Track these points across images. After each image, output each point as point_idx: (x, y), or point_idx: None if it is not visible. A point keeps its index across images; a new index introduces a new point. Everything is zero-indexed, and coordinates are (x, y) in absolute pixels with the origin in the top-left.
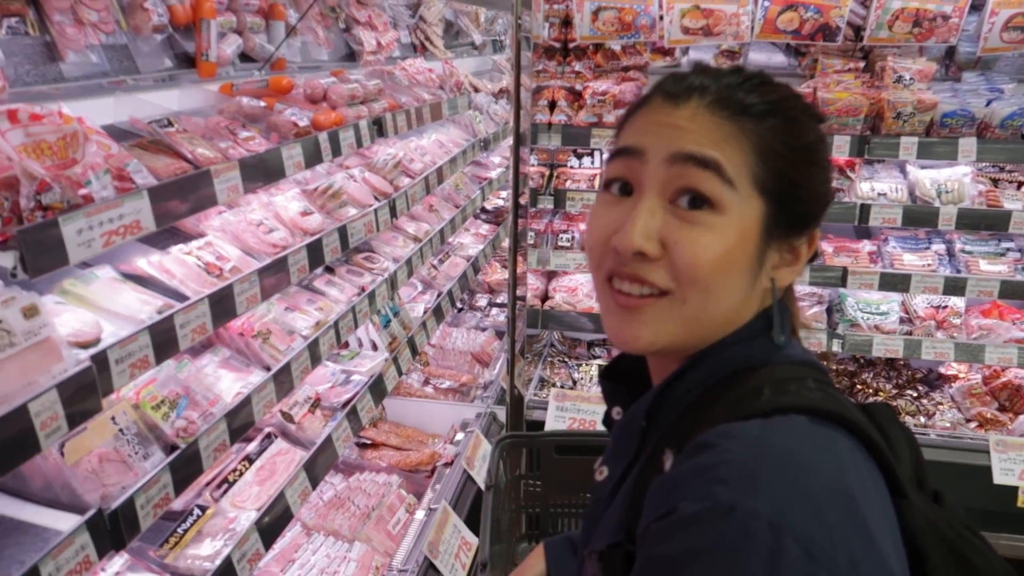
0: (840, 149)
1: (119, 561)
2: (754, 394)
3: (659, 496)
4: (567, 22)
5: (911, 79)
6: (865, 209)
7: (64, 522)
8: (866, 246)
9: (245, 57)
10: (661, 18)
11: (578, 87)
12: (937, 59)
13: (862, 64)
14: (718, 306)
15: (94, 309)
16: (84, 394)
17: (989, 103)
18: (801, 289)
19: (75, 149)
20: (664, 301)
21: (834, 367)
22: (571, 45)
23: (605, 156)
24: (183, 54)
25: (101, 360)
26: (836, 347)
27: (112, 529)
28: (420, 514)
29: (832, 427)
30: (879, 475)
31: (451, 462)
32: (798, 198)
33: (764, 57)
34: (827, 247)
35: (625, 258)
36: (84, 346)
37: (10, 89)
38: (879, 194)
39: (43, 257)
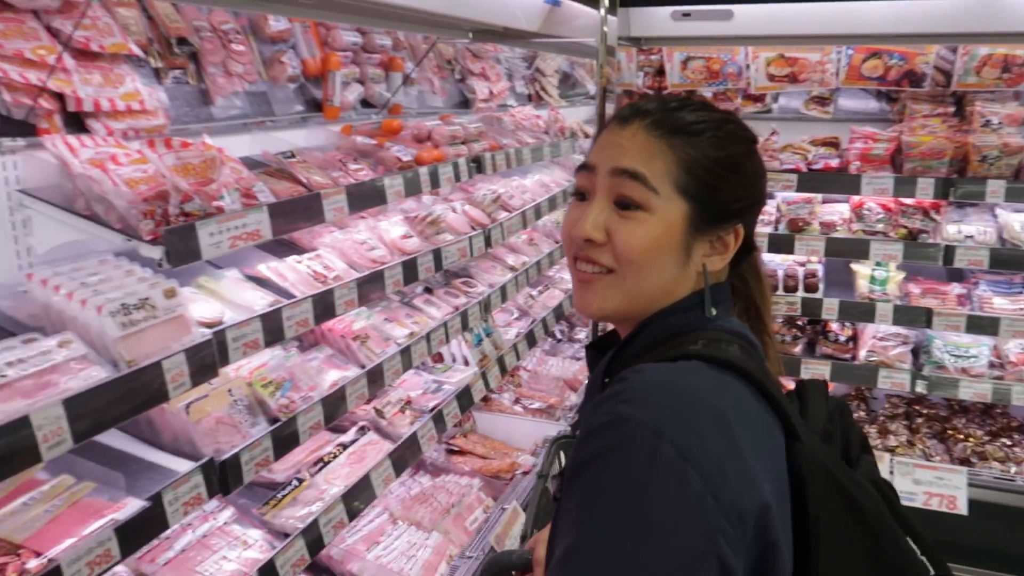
0: (924, 191)
1: (227, 513)
2: (677, 348)
3: (585, 417)
4: (660, 71)
5: (999, 123)
6: (950, 251)
7: (185, 466)
8: (955, 288)
9: (366, 103)
10: (748, 67)
11: None
12: None
13: (952, 109)
14: (650, 281)
15: (221, 300)
16: (205, 360)
17: None
18: (886, 329)
19: (213, 171)
20: (610, 277)
21: (925, 411)
22: (663, 92)
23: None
24: (312, 100)
25: (220, 337)
26: (921, 388)
27: (221, 476)
28: (494, 513)
29: (729, 374)
30: (774, 420)
31: (528, 471)
32: (718, 200)
33: (857, 103)
34: (914, 288)
35: (580, 244)
36: (209, 326)
37: (171, 127)
38: (966, 236)
39: (182, 252)
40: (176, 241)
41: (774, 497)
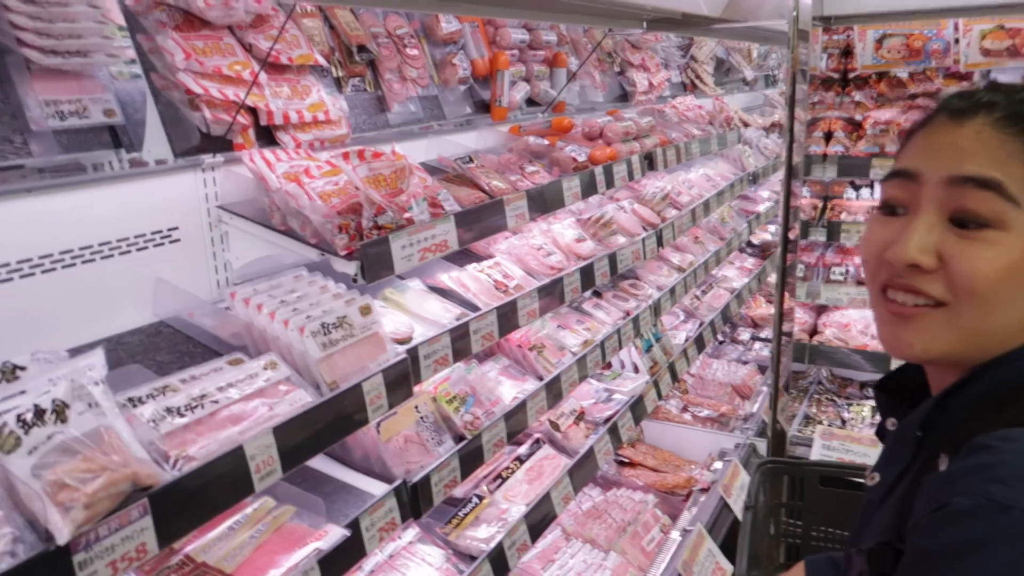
0: None
1: (411, 532)
2: None
3: (932, 492)
4: (847, 52)
5: None
6: None
7: (376, 488)
8: None
9: (531, 101)
10: (956, 41)
11: (858, 117)
12: None
13: None
14: (998, 319)
15: (407, 313)
16: (401, 380)
17: None
18: None
19: (403, 181)
20: (939, 312)
21: None
22: (851, 75)
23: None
24: (480, 101)
25: (413, 354)
26: None
27: (412, 499)
28: (675, 535)
29: None
30: None
31: (707, 488)
32: None
33: None
34: None
35: (899, 270)
36: (401, 342)
37: (352, 135)
38: None
39: (376, 267)
40: (371, 256)
41: None
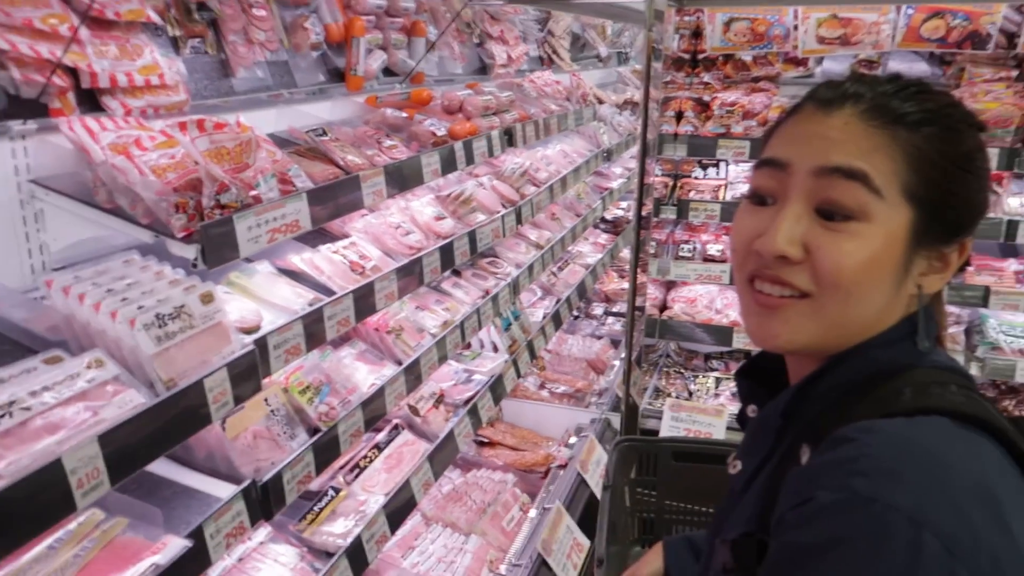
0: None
1: (263, 532)
2: (896, 394)
3: (796, 486)
4: (697, 33)
5: None
6: (1012, 226)
7: (223, 490)
8: (1012, 265)
9: (388, 71)
10: (795, 28)
11: (706, 98)
12: None
13: (1015, 73)
14: (859, 310)
15: (255, 299)
16: (248, 374)
17: None
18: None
19: (249, 155)
20: (804, 303)
21: None
22: (700, 56)
23: (734, 166)
24: (334, 69)
25: (262, 345)
26: (975, 370)
27: (263, 500)
28: (533, 513)
29: (975, 431)
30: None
31: (565, 465)
32: (950, 206)
33: (905, 66)
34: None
35: (767, 261)
36: (248, 331)
37: (191, 102)
38: None
39: (219, 250)
40: (212, 238)
41: None
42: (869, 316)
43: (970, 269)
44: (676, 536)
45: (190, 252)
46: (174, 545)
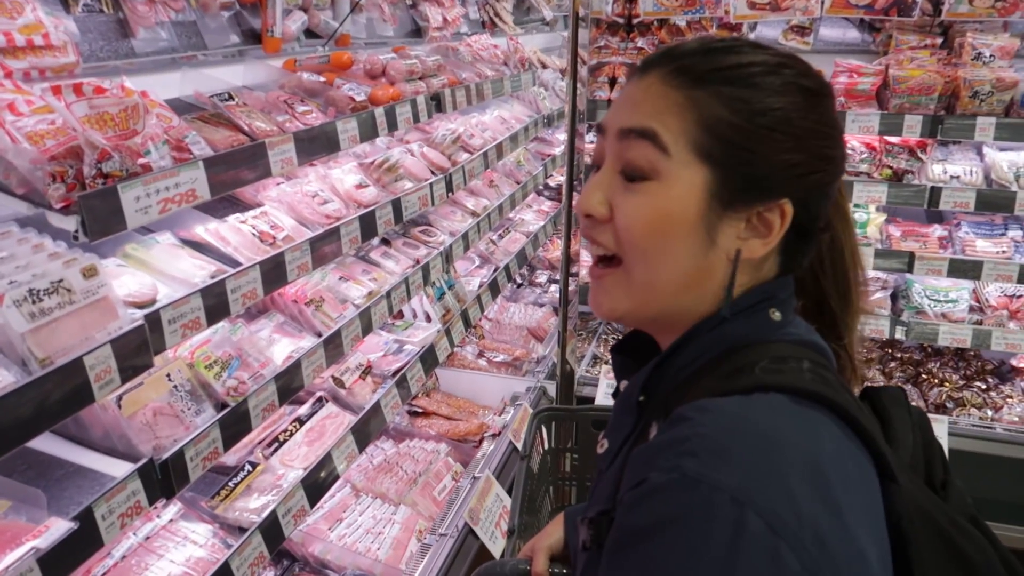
0: (911, 129)
1: (173, 509)
2: (742, 371)
3: (635, 466)
4: None
5: (991, 56)
6: (936, 192)
7: (119, 469)
8: (936, 231)
9: (311, 33)
10: None
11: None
12: (1021, 36)
13: (940, 40)
14: (663, 272)
15: (153, 272)
16: (137, 350)
17: None
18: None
19: (136, 121)
20: (619, 271)
21: (899, 355)
22: (635, 21)
23: None
24: (250, 30)
25: (154, 320)
26: (900, 334)
27: (163, 478)
28: (465, 482)
29: (816, 408)
30: (867, 458)
31: (498, 433)
32: (752, 165)
33: (837, 33)
34: (895, 231)
35: (584, 222)
36: (140, 306)
37: (84, 64)
38: (952, 177)
39: (103, 222)
40: (94, 208)
41: (879, 565)
42: (676, 278)
43: (896, 235)
44: (576, 506)
45: (70, 224)
46: (58, 527)
